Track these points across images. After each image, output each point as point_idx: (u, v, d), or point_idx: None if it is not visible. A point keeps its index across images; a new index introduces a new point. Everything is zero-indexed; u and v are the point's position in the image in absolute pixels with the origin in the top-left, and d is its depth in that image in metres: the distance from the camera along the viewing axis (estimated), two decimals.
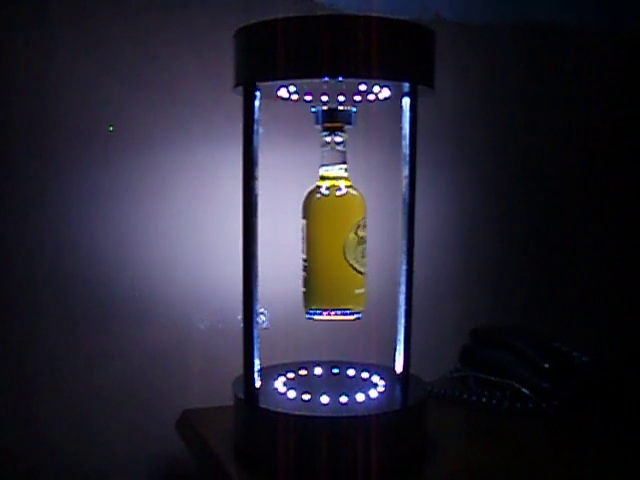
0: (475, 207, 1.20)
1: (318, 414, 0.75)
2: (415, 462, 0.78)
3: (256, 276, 0.78)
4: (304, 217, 0.84)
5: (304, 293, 0.85)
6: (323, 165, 0.85)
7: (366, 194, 0.85)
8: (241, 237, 0.78)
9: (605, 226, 1.30)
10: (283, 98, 0.84)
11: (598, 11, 1.26)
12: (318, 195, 0.84)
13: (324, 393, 0.79)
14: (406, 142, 0.78)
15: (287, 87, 0.79)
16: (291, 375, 0.87)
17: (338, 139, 0.84)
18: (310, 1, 1.05)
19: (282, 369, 0.89)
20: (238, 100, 0.78)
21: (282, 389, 0.82)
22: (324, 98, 0.83)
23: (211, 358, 1.04)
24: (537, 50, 1.23)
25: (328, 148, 0.84)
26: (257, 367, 0.79)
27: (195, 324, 1.04)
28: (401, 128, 0.78)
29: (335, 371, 0.89)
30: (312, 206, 0.84)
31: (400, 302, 0.80)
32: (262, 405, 0.77)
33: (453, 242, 1.19)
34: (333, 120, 0.83)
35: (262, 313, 1.05)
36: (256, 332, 0.78)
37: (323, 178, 0.85)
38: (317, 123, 0.84)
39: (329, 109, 0.83)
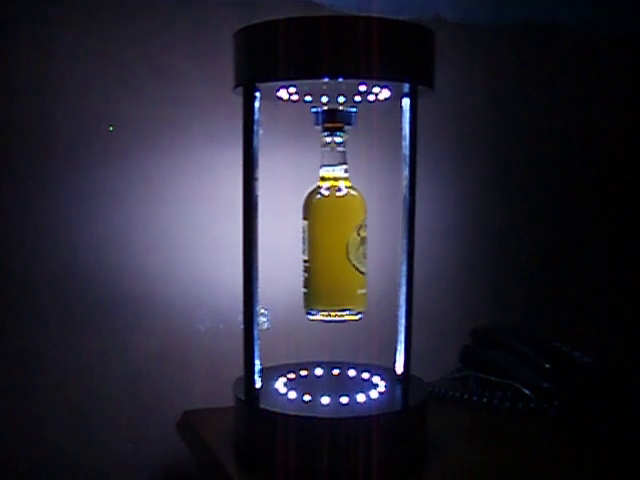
0: (475, 207, 1.20)
1: (319, 415, 0.75)
2: (416, 463, 0.78)
3: (256, 277, 0.78)
4: (305, 218, 0.84)
5: (305, 294, 0.85)
6: (323, 166, 0.85)
7: (366, 195, 0.85)
8: (241, 238, 0.78)
9: (605, 226, 1.30)
10: (283, 99, 0.84)
11: (599, 11, 1.25)
12: (319, 196, 0.84)
13: (325, 394, 0.79)
14: (406, 143, 0.78)
15: (287, 88, 0.79)
16: (292, 376, 0.87)
17: (338, 139, 0.84)
18: (310, 2, 1.05)
19: (283, 370, 0.88)
20: (238, 100, 0.78)
21: (283, 390, 0.82)
22: (324, 99, 0.83)
23: (211, 359, 1.04)
24: (538, 50, 1.23)
25: (328, 149, 0.84)
26: (258, 368, 0.79)
27: (195, 325, 1.04)
28: (401, 128, 0.78)
29: (336, 372, 0.89)
30: (314, 207, 0.84)
31: (400, 302, 0.80)
32: (263, 406, 0.77)
33: (453, 242, 1.19)
34: (333, 120, 0.83)
35: (263, 314, 1.05)
36: (256, 333, 0.78)
37: (323, 179, 0.85)
38: (317, 124, 0.84)
39: (329, 110, 0.83)
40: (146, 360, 1.02)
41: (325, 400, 0.78)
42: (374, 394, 0.81)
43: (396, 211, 0.80)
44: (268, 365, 0.86)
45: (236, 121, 0.79)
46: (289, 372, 0.88)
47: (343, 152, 0.84)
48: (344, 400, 0.78)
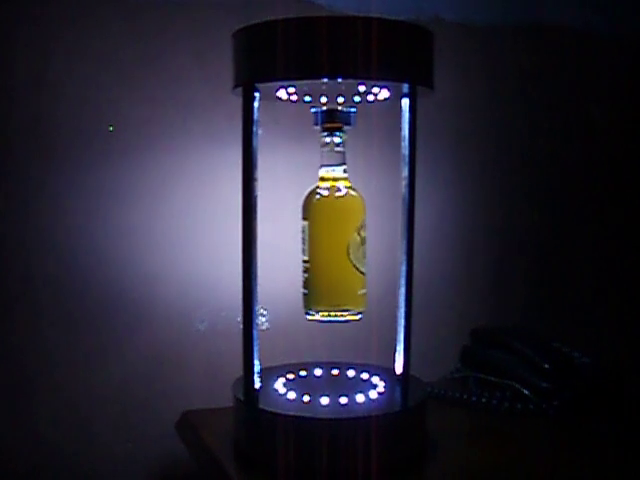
0: (475, 207, 1.20)
1: (318, 415, 0.75)
2: (415, 463, 0.78)
3: (256, 277, 0.78)
4: (305, 218, 0.84)
5: (305, 294, 0.85)
6: (323, 166, 0.85)
7: (366, 195, 0.85)
8: (240, 238, 0.78)
9: (605, 226, 1.30)
10: (282, 99, 0.84)
11: (602, 12, 1.25)
12: (318, 196, 0.84)
13: (324, 394, 0.79)
14: (405, 143, 0.78)
15: (286, 88, 0.79)
16: (291, 376, 0.87)
17: (337, 140, 0.84)
18: (309, 2, 1.05)
19: (282, 370, 0.88)
20: (238, 101, 0.78)
21: (282, 390, 0.82)
22: (323, 99, 0.83)
23: (211, 359, 1.04)
24: (537, 50, 1.23)
25: (327, 149, 0.84)
26: (257, 368, 0.79)
27: (195, 325, 1.04)
28: (400, 129, 0.78)
29: (335, 372, 0.89)
30: (314, 207, 0.84)
31: (400, 303, 0.80)
32: (262, 406, 0.77)
33: (453, 243, 1.19)
34: (332, 121, 0.83)
35: (262, 314, 1.05)
36: (256, 333, 0.78)
37: (323, 179, 0.85)
38: (316, 124, 0.84)
39: (328, 110, 0.83)
40: (145, 360, 1.02)
41: (324, 400, 0.78)
42: (373, 394, 0.81)
43: (395, 211, 0.80)
44: (267, 365, 0.86)
45: (236, 121, 0.79)
46: (288, 372, 0.88)
47: (342, 152, 0.84)
48: (343, 400, 0.78)
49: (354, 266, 0.83)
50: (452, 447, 0.84)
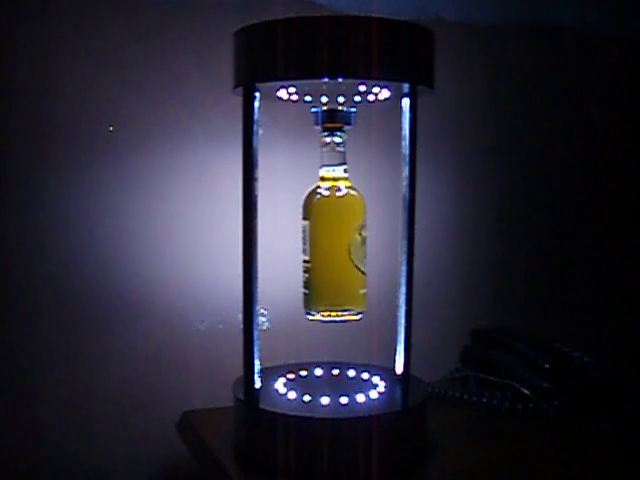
0: (476, 207, 1.20)
1: (318, 415, 0.75)
2: (416, 463, 0.78)
3: (256, 277, 0.78)
4: (305, 218, 0.84)
5: (305, 294, 0.85)
6: (323, 166, 0.85)
7: (366, 194, 0.85)
8: (241, 238, 0.78)
9: (605, 226, 1.30)
10: (283, 99, 0.84)
11: (602, 13, 1.25)
12: (319, 196, 0.84)
13: (324, 394, 0.79)
14: (406, 142, 0.78)
15: (287, 88, 0.79)
16: (291, 376, 0.87)
17: (338, 140, 0.83)
18: (310, 2, 1.05)
19: (282, 370, 0.88)
20: (238, 100, 0.78)
21: (282, 390, 0.82)
22: (324, 99, 0.83)
23: (211, 359, 1.04)
24: (538, 50, 1.23)
25: (328, 149, 0.84)
26: (257, 368, 0.79)
27: (195, 325, 1.04)
28: (401, 128, 0.78)
29: (335, 372, 0.89)
30: (315, 207, 0.84)
31: (400, 302, 0.80)
32: (262, 406, 0.77)
33: (453, 242, 1.19)
34: (333, 121, 0.83)
35: (262, 314, 1.05)
36: (256, 333, 0.78)
37: (323, 179, 0.85)
38: (317, 124, 0.84)
39: (329, 110, 0.83)
40: (145, 360, 1.02)
41: (325, 400, 0.78)
42: (374, 394, 0.81)
43: (396, 211, 0.80)
44: (268, 365, 0.86)
45: (235, 121, 0.79)
46: (289, 372, 0.88)
47: (343, 152, 0.84)
48: (344, 400, 0.78)
49: (355, 266, 0.83)
50: (452, 447, 0.83)
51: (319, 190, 0.84)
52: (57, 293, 0.98)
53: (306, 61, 0.72)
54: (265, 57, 0.74)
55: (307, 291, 0.84)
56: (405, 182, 0.78)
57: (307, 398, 0.79)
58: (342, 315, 0.83)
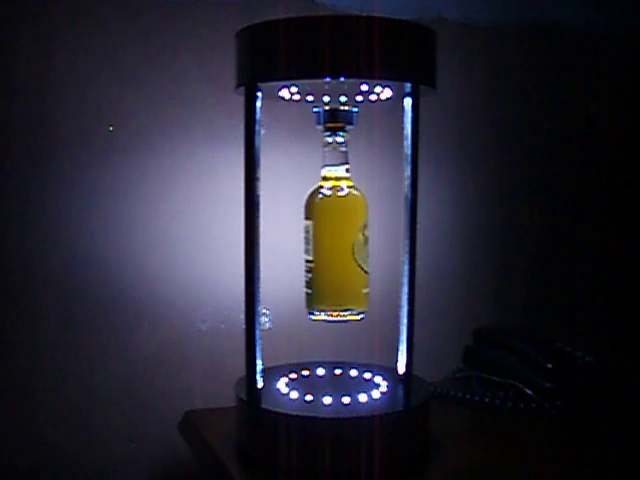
0: (477, 207, 1.20)
1: (320, 415, 0.75)
2: (418, 463, 0.78)
3: (258, 276, 0.78)
4: (308, 218, 0.84)
5: (308, 294, 0.84)
6: (325, 165, 0.85)
7: (368, 194, 0.85)
8: (243, 237, 0.78)
9: (605, 226, 1.30)
10: (285, 98, 0.83)
11: (603, 12, 1.26)
12: (321, 195, 0.84)
13: (326, 394, 0.79)
14: (408, 142, 0.78)
15: (289, 87, 0.79)
16: (293, 376, 0.87)
17: (340, 139, 0.83)
18: (312, 1, 1.05)
19: (284, 370, 0.88)
20: (239, 100, 0.78)
21: (284, 390, 0.82)
22: (326, 98, 0.83)
23: (213, 359, 1.03)
24: (541, 50, 1.23)
25: (330, 148, 0.84)
26: (259, 368, 0.79)
27: (197, 325, 1.04)
28: (403, 128, 0.78)
29: (337, 372, 0.89)
30: (317, 207, 0.84)
31: (402, 302, 0.80)
32: (264, 406, 0.77)
33: (455, 242, 1.19)
34: (335, 120, 0.83)
35: (264, 314, 1.05)
36: (258, 333, 0.78)
37: (325, 178, 0.85)
38: (319, 123, 0.84)
39: (331, 109, 0.83)
40: (147, 360, 1.01)
41: (327, 400, 0.78)
42: (376, 394, 0.81)
43: (398, 211, 0.80)
44: (270, 365, 0.86)
45: (236, 120, 0.79)
46: (291, 372, 0.88)
47: (345, 152, 0.84)
48: (346, 400, 0.78)
49: (359, 265, 0.83)
50: (455, 447, 0.83)
51: (321, 190, 0.84)
52: (57, 293, 0.98)
53: (308, 61, 0.72)
54: (267, 57, 0.74)
55: (310, 291, 0.84)
56: (407, 182, 0.78)
57: (309, 398, 0.79)
58: (344, 315, 0.83)
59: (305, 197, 0.85)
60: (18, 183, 0.96)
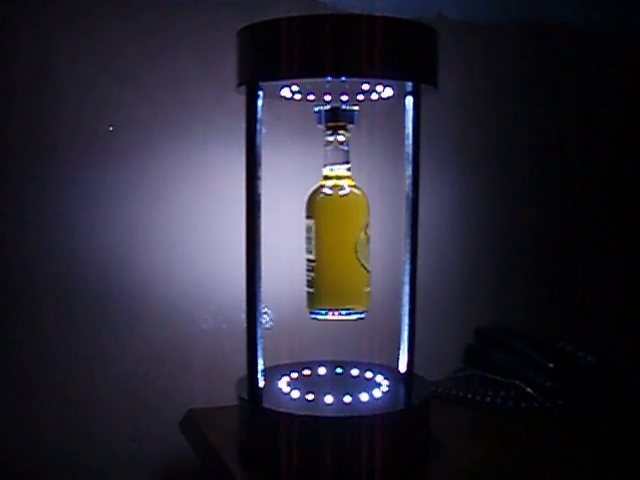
0: (479, 206, 1.20)
1: (322, 414, 0.75)
2: (419, 462, 0.78)
3: (259, 276, 0.78)
4: (309, 217, 0.84)
5: (310, 293, 0.84)
6: (326, 164, 0.85)
7: (369, 193, 0.85)
8: (244, 236, 0.78)
9: (605, 226, 1.30)
10: (286, 98, 0.84)
11: (604, 11, 1.26)
12: (322, 195, 0.84)
13: (328, 393, 0.79)
14: (409, 141, 0.78)
15: (290, 86, 0.79)
16: (295, 375, 0.87)
17: (341, 138, 0.84)
18: (313, 0, 1.05)
19: (286, 369, 0.88)
20: (239, 99, 0.78)
21: (286, 389, 0.82)
22: (327, 97, 0.83)
23: (214, 358, 1.03)
24: (543, 49, 1.23)
25: (331, 147, 0.84)
26: (261, 367, 0.79)
27: (198, 324, 1.04)
28: (404, 127, 0.78)
29: (339, 371, 0.89)
30: (319, 206, 0.84)
31: (404, 302, 0.80)
32: (266, 405, 0.77)
33: (457, 241, 1.19)
34: (336, 119, 0.83)
35: (266, 313, 1.05)
36: (260, 332, 0.78)
37: (327, 178, 0.85)
38: (320, 123, 0.84)
39: (332, 108, 0.83)
40: (148, 360, 1.01)
41: (328, 399, 0.78)
42: (377, 393, 0.81)
43: (399, 210, 0.80)
44: (271, 364, 0.86)
45: (237, 120, 0.79)
46: (292, 371, 0.88)
47: (346, 151, 0.84)
48: (347, 399, 0.78)
49: (361, 264, 0.83)
50: (456, 446, 0.83)
51: (323, 189, 0.84)
52: (57, 292, 0.98)
53: (309, 60, 0.72)
54: (268, 56, 0.74)
55: (311, 290, 0.84)
56: (408, 181, 0.78)
57: (310, 397, 0.79)
58: (346, 314, 0.83)
59: (306, 196, 0.85)
60: (18, 183, 0.95)
